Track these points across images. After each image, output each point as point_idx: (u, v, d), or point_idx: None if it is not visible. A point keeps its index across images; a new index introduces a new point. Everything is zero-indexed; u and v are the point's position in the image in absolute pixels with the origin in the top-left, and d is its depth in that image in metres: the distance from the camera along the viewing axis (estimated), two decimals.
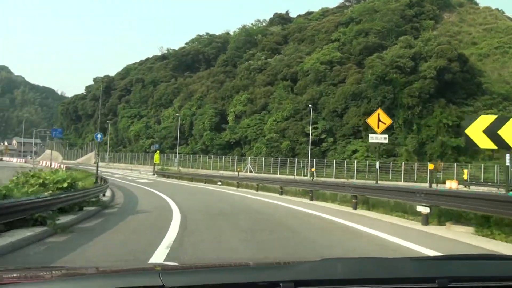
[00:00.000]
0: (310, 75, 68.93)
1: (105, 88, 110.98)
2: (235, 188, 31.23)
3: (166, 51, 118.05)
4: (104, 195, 19.67)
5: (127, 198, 21.38)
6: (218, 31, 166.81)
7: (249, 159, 63.75)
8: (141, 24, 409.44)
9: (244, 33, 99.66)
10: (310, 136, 57.53)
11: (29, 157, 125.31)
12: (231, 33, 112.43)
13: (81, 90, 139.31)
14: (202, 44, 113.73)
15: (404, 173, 50.83)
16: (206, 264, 3.13)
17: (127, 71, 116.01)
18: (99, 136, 35.67)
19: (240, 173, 55.20)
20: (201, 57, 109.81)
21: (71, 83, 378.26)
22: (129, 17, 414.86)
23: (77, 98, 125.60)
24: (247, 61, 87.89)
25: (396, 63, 59.06)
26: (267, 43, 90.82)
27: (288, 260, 2.89)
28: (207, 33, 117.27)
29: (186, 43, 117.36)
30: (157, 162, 52.57)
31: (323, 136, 60.52)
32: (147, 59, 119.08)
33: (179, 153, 74.12)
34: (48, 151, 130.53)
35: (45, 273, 2.31)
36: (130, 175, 50.70)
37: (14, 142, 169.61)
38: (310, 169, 52.28)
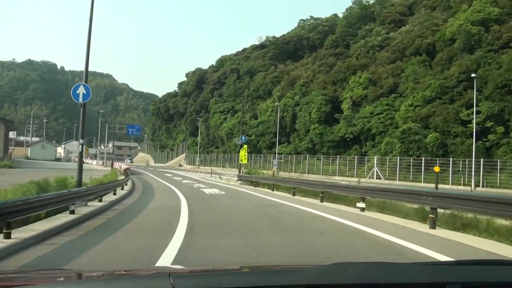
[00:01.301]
0: (457, 41, 49.51)
1: (196, 82, 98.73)
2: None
3: (265, 40, 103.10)
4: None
5: None
6: (324, 14, 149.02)
7: (376, 159, 45.65)
8: (238, 14, 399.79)
9: (358, 7, 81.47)
10: (473, 124, 38.14)
11: (128, 160, 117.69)
12: (340, 15, 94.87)
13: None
14: (306, 29, 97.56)
15: None
16: (216, 268, 3.24)
17: (221, 63, 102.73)
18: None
19: (362, 180, 38.39)
20: (304, 43, 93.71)
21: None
22: (226, 8, 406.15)
23: (169, 96, 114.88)
24: (363, 39, 70.38)
25: None
26: (388, 15, 72.30)
27: (299, 264, 3.12)
28: (312, 17, 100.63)
29: (287, 33, 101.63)
30: (244, 161, 36.66)
31: (488, 124, 40.67)
32: (244, 49, 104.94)
33: (278, 153, 57.87)
34: (141, 154, 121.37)
35: (53, 276, 2.35)
36: (205, 181, 36.16)
37: (110, 145, 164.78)
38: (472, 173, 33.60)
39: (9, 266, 6.27)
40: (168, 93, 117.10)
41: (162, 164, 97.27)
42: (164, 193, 23.82)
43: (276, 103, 61.70)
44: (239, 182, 32.25)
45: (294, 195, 21.74)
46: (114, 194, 19.37)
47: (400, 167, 43.35)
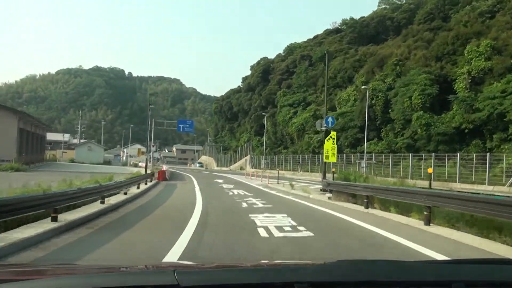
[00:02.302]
0: None
1: (262, 73, 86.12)
2: None
3: (340, 24, 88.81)
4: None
5: None
6: None
7: None
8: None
9: None
10: None
11: (194, 163, 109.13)
12: None
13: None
14: (389, 9, 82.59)
15: None
16: (221, 264, 3.18)
17: (289, 51, 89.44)
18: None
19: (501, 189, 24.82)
20: (388, 24, 78.67)
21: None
22: None
23: (232, 93, 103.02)
24: (468, 5, 55.11)
25: None
26: None
27: (303, 262, 2.99)
28: None
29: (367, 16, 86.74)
30: (332, 159, 22.62)
31: None
32: (316, 36, 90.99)
33: (367, 152, 43.71)
34: (203, 158, 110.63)
35: (58, 270, 2.40)
36: (267, 192, 23.81)
37: (174, 149, 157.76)
38: None
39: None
40: (231, 90, 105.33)
41: (225, 168, 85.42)
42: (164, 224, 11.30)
43: (364, 87, 47.24)
44: (328, 195, 18.50)
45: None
46: None
47: None
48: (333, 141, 22.20)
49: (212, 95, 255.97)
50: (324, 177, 23.61)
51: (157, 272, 2.02)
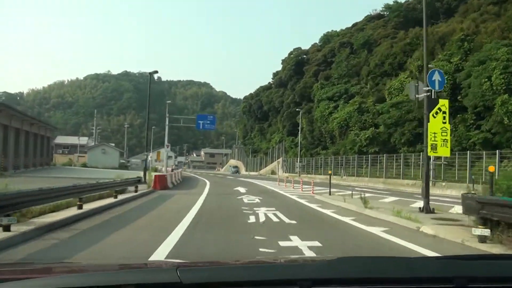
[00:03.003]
0: None
1: (295, 65, 76.85)
2: None
3: (382, 9, 78.54)
4: None
5: None
6: None
7: None
8: None
9: None
10: None
11: (224, 167, 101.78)
12: None
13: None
14: None
15: None
16: (223, 261, 3.06)
17: (326, 40, 79.58)
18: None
19: None
20: (438, 6, 68.11)
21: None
22: None
23: (261, 90, 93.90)
24: None
25: None
26: None
27: (305, 259, 3.06)
28: None
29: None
30: (443, 152, 12.63)
31: None
32: (355, 24, 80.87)
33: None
34: (232, 162, 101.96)
35: (59, 268, 2.37)
36: (335, 217, 14.72)
37: (202, 153, 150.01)
38: None
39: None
40: (261, 87, 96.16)
41: (254, 173, 76.28)
42: None
43: (433, 65, 37.36)
44: (480, 231, 8.30)
45: None
46: None
47: None
48: (444, 117, 12.50)
49: (243, 98, 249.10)
50: (426, 186, 13.37)
51: (159, 270, 2.04)
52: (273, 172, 66.55)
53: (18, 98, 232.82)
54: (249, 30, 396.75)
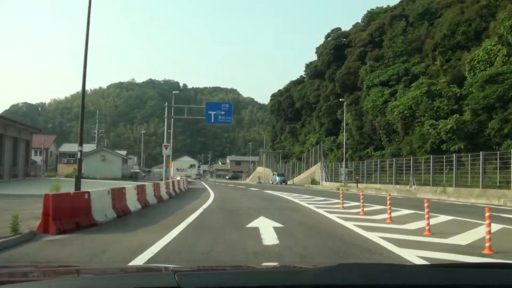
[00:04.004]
0: None
1: (333, 49, 63.54)
2: None
3: None
4: None
5: None
6: None
7: None
8: None
9: None
10: None
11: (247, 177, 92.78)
12: None
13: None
14: None
15: None
16: (221, 266, 3.12)
17: (370, 18, 65.26)
18: None
19: None
20: None
21: None
22: None
23: (292, 85, 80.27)
24: None
25: None
26: None
27: (305, 265, 2.93)
28: None
29: None
30: None
31: None
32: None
33: None
34: (259, 169, 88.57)
35: (57, 272, 2.36)
36: None
37: (228, 161, 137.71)
38: None
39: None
40: (291, 81, 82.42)
41: (289, 183, 62.73)
42: None
43: None
44: None
45: None
46: None
47: None
48: None
49: (270, 96, 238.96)
50: None
51: (157, 275, 2.02)
52: (314, 181, 52.40)
53: (39, 108, 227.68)
54: (276, 28, 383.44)
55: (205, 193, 28.89)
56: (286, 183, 59.83)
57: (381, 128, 44.03)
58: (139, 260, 6.46)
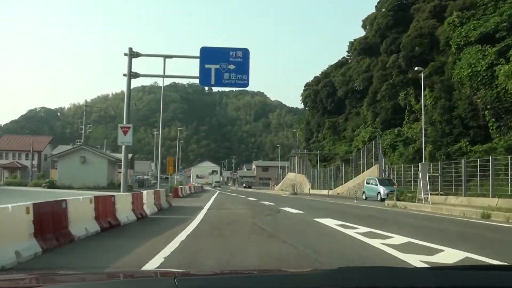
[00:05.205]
0: None
1: (394, 9, 47.45)
2: None
3: None
4: None
5: None
6: None
7: None
8: None
9: None
10: None
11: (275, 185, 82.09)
12: None
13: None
14: None
15: None
16: (221, 271, 3.07)
17: None
18: None
19: None
20: None
21: None
22: None
23: (331, 69, 64.19)
24: None
25: None
26: None
27: (305, 269, 3.00)
28: None
29: None
30: None
31: None
32: None
33: None
34: (290, 175, 72.88)
35: (58, 277, 2.35)
36: None
37: (254, 166, 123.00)
38: None
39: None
40: (330, 66, 66.34)
41: (324, 192, 47.00)
42: None
43: None
44: None
45: None
46: None
47: None
48: None
49: (300, 108, 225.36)
50: None
51: (157, 279, 2.03)
52: (404, 195, 34.46)
53: (58, 113, 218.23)
54: (304, 26, 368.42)
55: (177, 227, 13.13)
56: (295, 192, 45.42)
57: (487, 107, 27.79)
58: None
